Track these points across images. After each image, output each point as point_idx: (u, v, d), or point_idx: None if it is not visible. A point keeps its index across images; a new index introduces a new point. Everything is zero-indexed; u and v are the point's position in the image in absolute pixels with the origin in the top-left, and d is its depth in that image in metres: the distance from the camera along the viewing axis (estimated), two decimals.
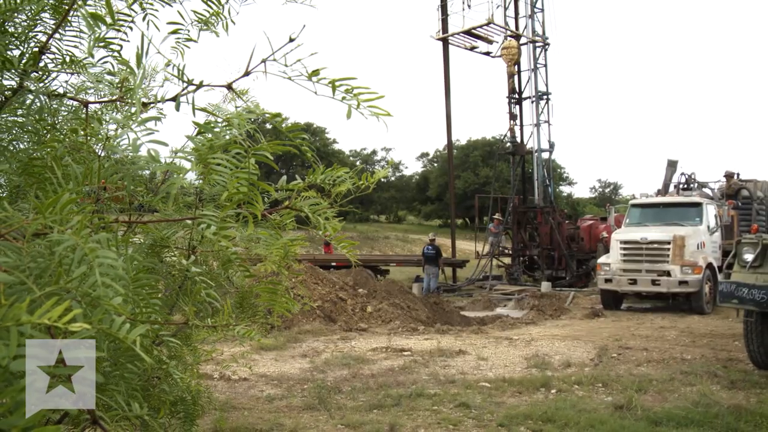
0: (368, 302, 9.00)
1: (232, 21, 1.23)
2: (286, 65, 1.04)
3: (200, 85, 1.15)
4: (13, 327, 0.59)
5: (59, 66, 1.14)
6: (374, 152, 44.11)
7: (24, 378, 0.61)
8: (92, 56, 1.14)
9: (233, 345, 5.90)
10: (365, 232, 29.85)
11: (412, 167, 73.88)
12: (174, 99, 1.14)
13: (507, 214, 15.40)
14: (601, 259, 10.38)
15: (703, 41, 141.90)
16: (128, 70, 1.12)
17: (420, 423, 3.99)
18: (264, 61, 1.08)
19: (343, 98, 1.02)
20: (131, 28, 1.16)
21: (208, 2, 1.20)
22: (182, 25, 1.21)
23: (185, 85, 1.15)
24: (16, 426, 0.60)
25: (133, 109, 1.04)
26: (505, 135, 15.99)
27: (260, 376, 5.37)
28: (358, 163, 40.16)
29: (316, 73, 1.03)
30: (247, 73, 1.13)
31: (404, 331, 7.93)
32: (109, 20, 1.08)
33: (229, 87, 1.16)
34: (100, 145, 1.17)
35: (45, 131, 1.09)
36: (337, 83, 1.02)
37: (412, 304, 9.25)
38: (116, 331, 0.69)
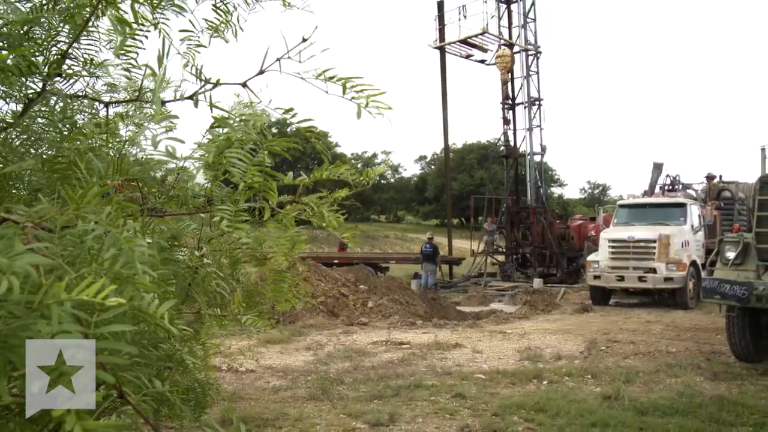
0: (369, 298, 9.14)
1: (241, 28, 1.29)
2: (300, 61, 1.08)
3: (217, 83, 1.18)
4: (53, 305, 0.61)
5: (82, 68, 1.16)
6: (375, 155, 44.28)
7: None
8: (119, 57, 1.18)
9: (241, 339, 6.01)
10: (366, 231, 29.80)
11: (411, 169, 73.66)
12: (192, 97, 1.18)
13: (501, 214, 15.61)
14: (591, 257, 10.55)
15: (687, 47, 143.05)
16: (149, 71, 1.16)
17: (418, 412, 4.09)
18: (279, 59, 1.11)
19: (353, 98, 1.07)
20: (147, 37, 1.22)
21: (218, 10, 1.25)
22: (193, 32, 1.25)
23: (202, 84, 1.18)
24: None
25: (153, 107, 1.08)
26: (499, 139, 16.17)
27: (266, 368, 5.48)
28: (359, 165, 40.28)
29: (327, 71, 1.07)
30: (261, 72, 1.14)
31: (403, 325, 8.04)
32: (135, 25, 1.14)
33: (244, 85, 1.18)
34: (113, 150, 1.20)
35: (67, 130, 1.09)
36: (347, 83, 1.08)
37: (411, 300, 9.37)
38: (146, 307, 0.70)
